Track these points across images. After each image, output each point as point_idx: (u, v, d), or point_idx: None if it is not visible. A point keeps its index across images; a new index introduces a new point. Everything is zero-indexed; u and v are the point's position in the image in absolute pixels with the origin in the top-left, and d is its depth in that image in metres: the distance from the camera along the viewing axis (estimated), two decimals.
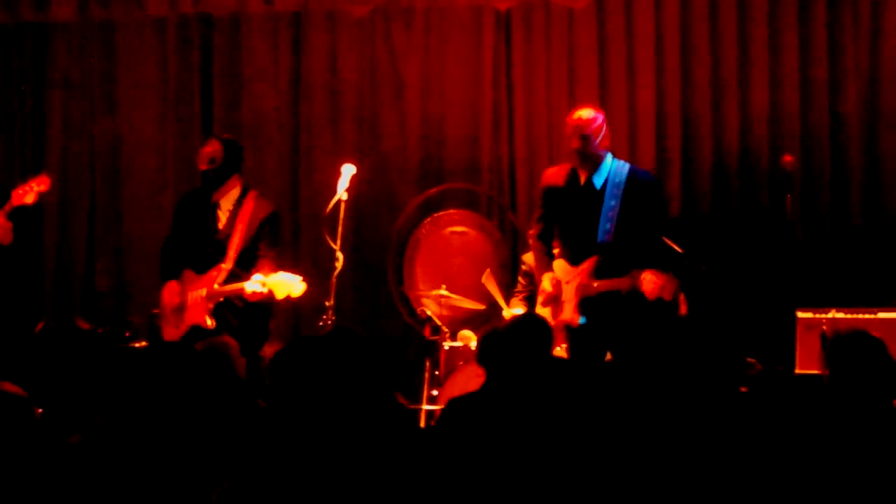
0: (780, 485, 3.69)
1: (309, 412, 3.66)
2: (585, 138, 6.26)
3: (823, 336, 6.24)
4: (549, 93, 8.54)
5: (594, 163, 6.29)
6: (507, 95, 8.61)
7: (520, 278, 7.65)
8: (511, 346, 4.71)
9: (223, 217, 6.93)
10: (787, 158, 7.78)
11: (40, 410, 4.07)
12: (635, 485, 3.65)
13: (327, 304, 6.98)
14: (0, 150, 8.90)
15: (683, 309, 6.53)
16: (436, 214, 8.48)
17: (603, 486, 3.69)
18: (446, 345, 7.55)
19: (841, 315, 6.83)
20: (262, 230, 6.87)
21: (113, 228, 8.92)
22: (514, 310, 7.34)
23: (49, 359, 4.65)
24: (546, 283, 6.40)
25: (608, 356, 6.20)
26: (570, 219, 6.37)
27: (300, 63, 8.78)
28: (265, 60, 8.80)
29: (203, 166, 6.93)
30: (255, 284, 6.62)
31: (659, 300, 6.10)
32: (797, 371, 6.76)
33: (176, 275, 6.92)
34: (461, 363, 7.33)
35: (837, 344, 4.29)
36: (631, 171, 6.34)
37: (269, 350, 6.63)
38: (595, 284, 6.22)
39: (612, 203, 6.25)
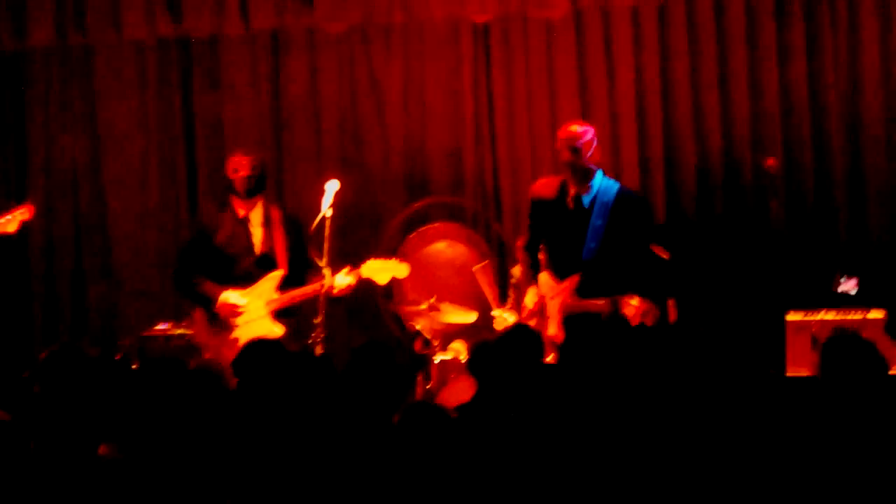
0: (777, 485, 3.71)
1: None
2: (576, 151, 6.37)
3: (814, 339, 6.26)
4: (529, 104, 8.56)
5: (584, 176, 6.37)
6: (488, 108, 8.63)
7: (510, 291, 7.64)
8: (502, 356, 4.71)
9: (257, 231, 7.04)
10: (771, 161, 7.80)
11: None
12: (628, 489, 3.67)
13: (315, 321, 6.98)
14: None
15: (673, 316, 6.54)
16: (421, 228, 8.51)
17: (595, 492, 3.70)
18: (437, 358, 7.57)
19: (830, 316, 6.86)
20: (299, 233, 7.08)
21: (100, 252, 8.90)
22: (504, 315, 7.38)
23: (60, 385, 4.65)
24: (528, 300, 6.49)
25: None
26: (556, 233, 6.43)
27: (279, 82, 8.79)
28: (245, 80, 8.80)
29: (244, 176, 6.98)
30: (346, 278, 6.87)
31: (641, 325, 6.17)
32: (788, 373, 6.77)
33: (214, 293, 6.92)
34: (453, 376, 7.36)
35: (830, 346, 4.31)
36: (619, 191, 6.45)
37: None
38: (577, 303, 6.26)
39: (599, 222, 6.35)
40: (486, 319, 7.64)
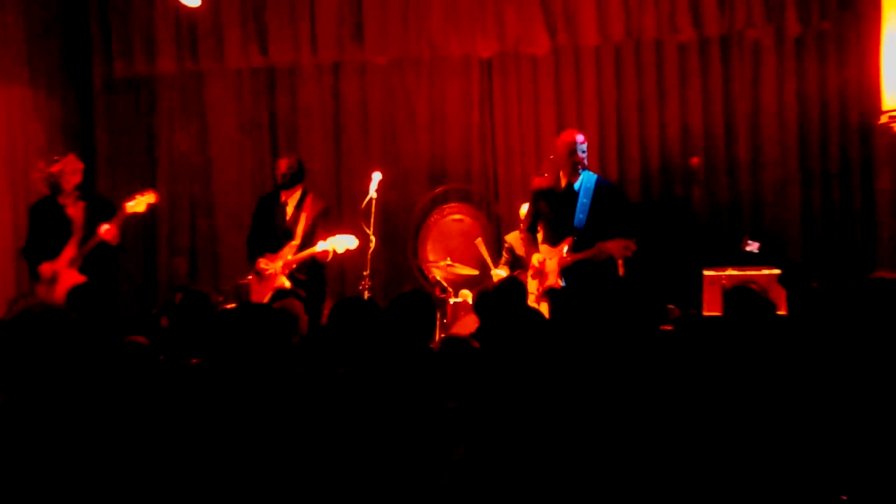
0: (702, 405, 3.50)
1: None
2: (584, 152, 6.31)
3: (724, 288, 6.28)
4: (520, 118, 8.52)
5: (576, 169, 6.31)
6: (490, 121, 8.59)
7: (503, 252, 7.66)
8: (497, 300, 4.71)
9: (290, 211, 6.95)
10: (694, 160, 7.82)
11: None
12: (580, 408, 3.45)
13: (364, 273, 7.03)
14: (123, 175, 8.81)
15: (621, 271, 6.55)
16: (441, 207, 8.50)
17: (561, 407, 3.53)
18: (451, 301, 7.60)
19: (734, 272, 6.86)
20: (319, 219, 6.90)
21: (208, 227, 8.90)
22: (499, 272, 7.35)
23: (186, 319, 4.61)
24: (534, 261, 6.41)
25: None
26: (554, 211, 6.40)
27: (339, 99, 8.74)
28: (314, 97, 8.76)
29: (281, 173, 6.93)
30: (324, 244, 6.70)
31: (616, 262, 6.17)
32: (704, 313, 6.81)
33: (260, 256, 6.93)
34: (462, 314, 7.39)
35: (732, 293, 4.29)
36: (598, 179, 6.38)
37: (325, 309, 6.64)
38: (570, 258, 6.28)
39: (585, 200, 6.26)
40: (485, 274, 7.65)
